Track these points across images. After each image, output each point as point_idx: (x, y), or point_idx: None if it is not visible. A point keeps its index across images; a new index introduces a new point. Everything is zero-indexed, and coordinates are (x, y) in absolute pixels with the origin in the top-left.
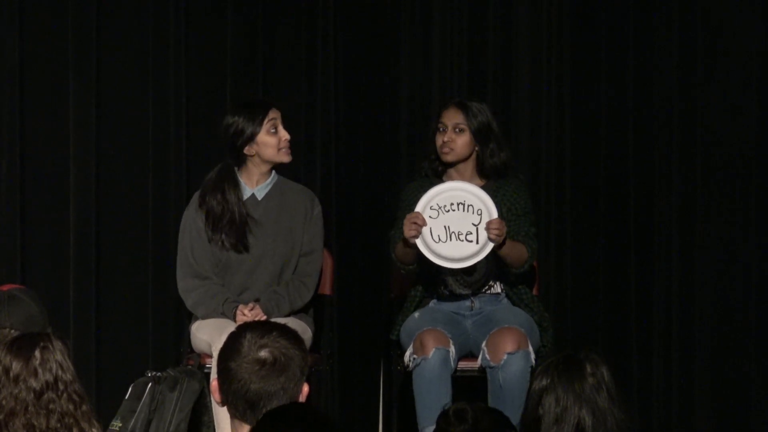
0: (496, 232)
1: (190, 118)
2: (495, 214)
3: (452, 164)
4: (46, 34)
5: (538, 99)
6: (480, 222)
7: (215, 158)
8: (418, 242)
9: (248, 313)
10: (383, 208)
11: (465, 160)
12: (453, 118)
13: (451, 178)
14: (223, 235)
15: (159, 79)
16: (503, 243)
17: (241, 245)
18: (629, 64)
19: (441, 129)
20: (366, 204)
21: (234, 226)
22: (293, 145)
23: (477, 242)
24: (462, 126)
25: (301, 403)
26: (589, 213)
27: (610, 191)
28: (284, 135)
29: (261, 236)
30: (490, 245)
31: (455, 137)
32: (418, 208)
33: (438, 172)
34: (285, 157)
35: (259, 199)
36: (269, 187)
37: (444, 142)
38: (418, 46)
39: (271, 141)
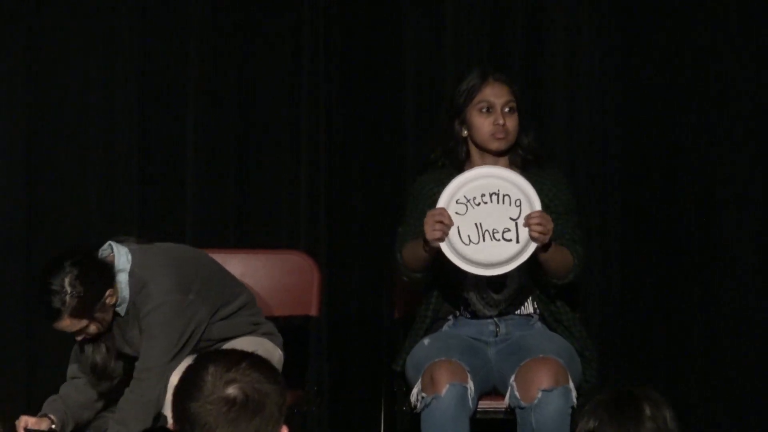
0: (538, 228)
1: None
2: (537, 206)
3: (502, 153)
4: None
5: (576, 76)
6: (519, 216)
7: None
8: (443, 246)
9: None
10: (385, 209)
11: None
12: (501, 95)
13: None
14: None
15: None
16: (549, 244)
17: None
18: (688, 29)
19: (484, 109)
20: (364, 204)
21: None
22: (270, 139)
23: (517, 241)
24: (512, 104)
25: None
26: (641, 217)
27: (667, 189)
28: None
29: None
30: (534, 245)
31: (508, 119)
32: (441, 203)
33: (460, 161)
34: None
35: (122, 314)
36: (125, 302)
37: (498, 126)
38: (428, 10)
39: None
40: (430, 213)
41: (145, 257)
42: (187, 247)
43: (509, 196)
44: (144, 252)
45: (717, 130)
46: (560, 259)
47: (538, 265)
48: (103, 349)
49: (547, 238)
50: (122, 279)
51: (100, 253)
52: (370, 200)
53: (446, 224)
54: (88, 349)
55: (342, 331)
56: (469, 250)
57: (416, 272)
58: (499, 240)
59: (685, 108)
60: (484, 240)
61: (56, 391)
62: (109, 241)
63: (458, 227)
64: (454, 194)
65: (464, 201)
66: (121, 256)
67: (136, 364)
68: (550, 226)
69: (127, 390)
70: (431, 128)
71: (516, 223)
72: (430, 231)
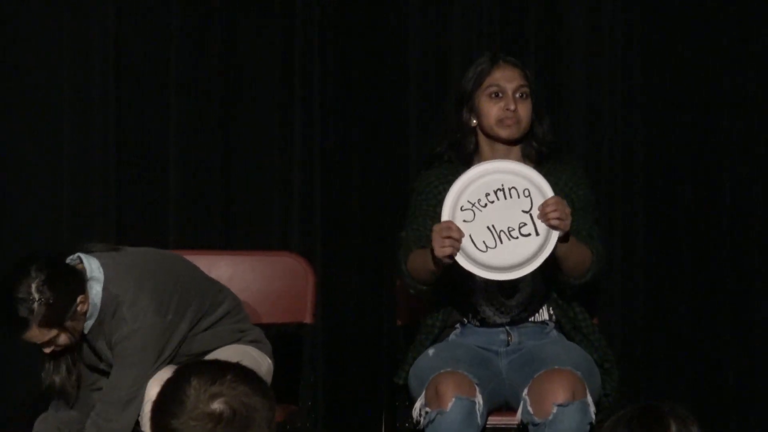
0: (555, 215)
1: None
2: (549, 193)
3: (514, 143)
4: None
5: (596, 63)
6: (532, 206)
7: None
8: (459, 258)
9: None
10: (386, 208)
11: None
12: (513, 78)
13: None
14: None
15: None
16: (568, 234)
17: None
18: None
19: (494, 94)
20: (363, 202)
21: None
22: (261, 135)
23: (537, 233)
24: (525, 90)
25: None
26: (667, 215)
27: (696, 186)
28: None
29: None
30: (556, 234)
31: (519, 105)
32: (445, 215)
33: (468, 154)
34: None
35: (86, 332)
36: (94, 315)
37: (509, 112)
38: (431, 4)
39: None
40: (436, 229)
41: (119, 272)
42: (162, 254)
43: (516, 188)
44: (117, 265)
45: (747, 125)
46: (578, 254)
47: (556, 262)
48: (63, 369)
49: (567, 224)
50: (95, 288)
51: (68, 262)
52: (369, 199)
53: (455, 238)
54: (49, 366)
55: (339, 340)
56: (489, 257)
57: (423, 285)
58: (517, 237)
59: (714, 102)
60: (501, 242)
61: (25, 408)
62: (78, 253)
63: (470, 235)
64: (456, 201)
65: (469, 206)
66: (93, 267)
67: (104, 388)
68: (568, 210)
69: (93, 414)
70: (434, 125)
71: (530, 215)
72: (439, 248)
